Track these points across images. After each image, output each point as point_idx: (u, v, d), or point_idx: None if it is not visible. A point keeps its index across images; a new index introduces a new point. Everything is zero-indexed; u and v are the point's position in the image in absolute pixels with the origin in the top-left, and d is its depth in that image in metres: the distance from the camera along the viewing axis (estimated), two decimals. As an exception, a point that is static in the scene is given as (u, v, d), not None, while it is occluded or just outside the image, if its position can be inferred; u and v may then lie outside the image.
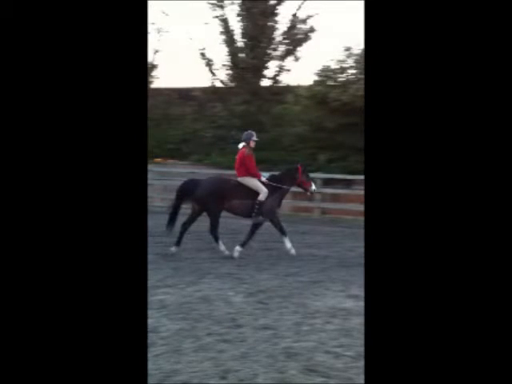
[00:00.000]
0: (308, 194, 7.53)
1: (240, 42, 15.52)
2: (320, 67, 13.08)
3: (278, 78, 15.71)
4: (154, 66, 16.34)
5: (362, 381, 2.47)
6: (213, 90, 15.97)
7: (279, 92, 15.10)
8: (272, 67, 15.64)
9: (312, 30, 15.26)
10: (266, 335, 3.58)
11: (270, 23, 15.23)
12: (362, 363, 2.73)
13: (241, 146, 6.87)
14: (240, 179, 6.81)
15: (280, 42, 15.50)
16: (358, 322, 3.79)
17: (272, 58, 15.58)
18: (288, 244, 6.69)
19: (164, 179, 12.11)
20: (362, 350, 2.77)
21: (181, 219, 6.74)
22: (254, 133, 6.92)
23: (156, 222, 6.99)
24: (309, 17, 15.23)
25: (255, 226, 6.75)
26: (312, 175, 7.80)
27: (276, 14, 15.32)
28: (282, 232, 6.77)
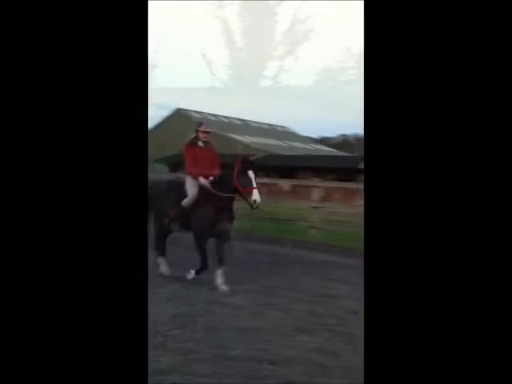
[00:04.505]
0: (249, 206, 5.05)
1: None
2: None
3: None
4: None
5: None
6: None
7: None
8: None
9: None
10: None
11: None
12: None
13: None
14: (186, 177, 5.62)
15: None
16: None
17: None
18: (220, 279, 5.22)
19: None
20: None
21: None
22: (205, 122, 5.95)
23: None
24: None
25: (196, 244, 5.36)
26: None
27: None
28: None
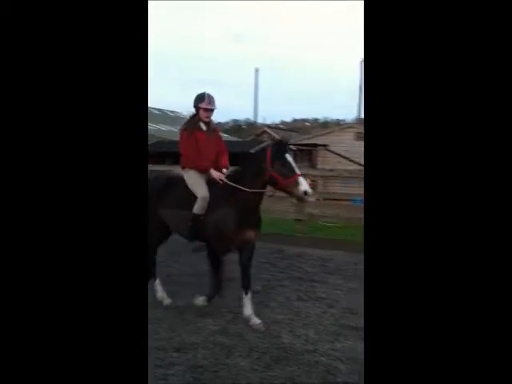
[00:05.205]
0: (294, 200, 3.88)
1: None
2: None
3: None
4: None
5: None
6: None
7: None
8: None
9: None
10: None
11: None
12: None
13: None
14: (184, 173, 4.19)
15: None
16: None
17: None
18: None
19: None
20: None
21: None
22: (207, 94, 4.08)
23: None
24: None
25: (212, 262, 4.10)
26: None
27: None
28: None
